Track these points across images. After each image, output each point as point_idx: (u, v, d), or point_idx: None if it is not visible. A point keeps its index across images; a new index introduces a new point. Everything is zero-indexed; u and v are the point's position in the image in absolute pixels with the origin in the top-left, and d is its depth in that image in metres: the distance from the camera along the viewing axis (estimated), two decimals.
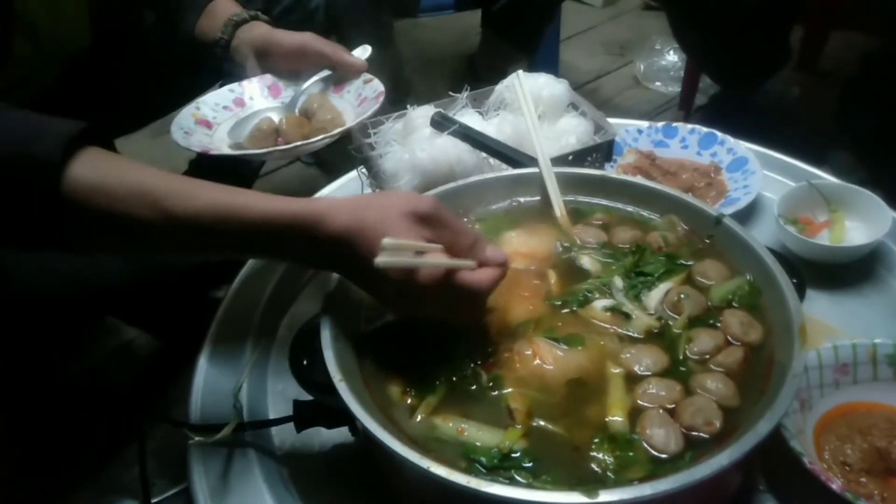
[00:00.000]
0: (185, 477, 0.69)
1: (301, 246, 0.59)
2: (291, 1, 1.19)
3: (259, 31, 0.97)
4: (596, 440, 0.56)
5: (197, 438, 0.70)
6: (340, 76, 0.95)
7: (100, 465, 1.22)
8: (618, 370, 0.61)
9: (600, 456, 0.55)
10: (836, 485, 0.58)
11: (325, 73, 0.94)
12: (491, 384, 0.60)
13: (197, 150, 0.83)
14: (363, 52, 0.96)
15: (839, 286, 0.85)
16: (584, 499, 0.47)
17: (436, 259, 0.57)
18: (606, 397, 0.59)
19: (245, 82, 0.96)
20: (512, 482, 0.52)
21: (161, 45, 1.19)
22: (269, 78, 0.96)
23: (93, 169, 0.57)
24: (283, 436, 0.73)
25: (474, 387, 0.60)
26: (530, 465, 0.54)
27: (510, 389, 0.60)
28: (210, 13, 1.00)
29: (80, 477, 1.21)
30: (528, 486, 0.51)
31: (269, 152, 0.84)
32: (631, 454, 0.54)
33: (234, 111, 0.93)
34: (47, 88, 1.04)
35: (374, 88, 0.91)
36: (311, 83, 0.94)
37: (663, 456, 0.54)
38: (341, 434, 0.67)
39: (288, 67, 0.96)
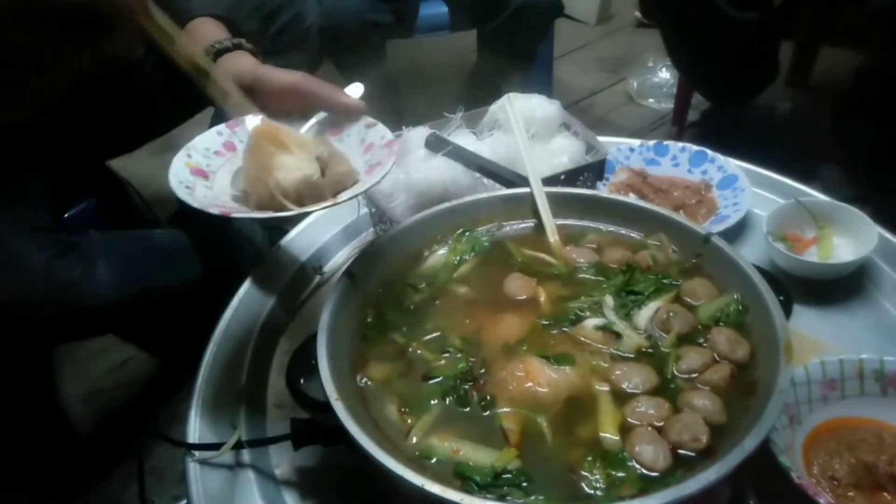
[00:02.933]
0: (184, 495, 0.70)
1: None
2: (286, 20, 1.19)
3: (245, 65, 0.89)
4: (589, 458, 0.57)
5: (196, 457, 0.71)
6: (337, 119, 0.87)
7: (98, 483, 1.22)
8: (607, 388, 0.62)
9: (592, 475, 0.55)
10: (824, 499, 0.59)
11: (321, 114, 0.86)
12: (483, 404, 0.62)
13: (216, 212, 0.75)
14: (356, 91, 0.88)
15: (827, 302, 0.87)
16: None
17: None
18: (598, 415, 0.60)
19: (233, 124, 0.86)
20: (505, 499, 0.53)
21: (158, 64, 1.21)
22: (257, 120, 0.86)
23: None
24: (280, 454, 0.74)
25: (468, 408, 0.62)
26: (524, 483, 0.55)
27: (504, 409, 0.61)
28: (190, 34, 0.92)
29: (79, 494, 1.22)
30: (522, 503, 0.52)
31: (295, 215, 0.75)
32: (622, 473, 0.55)
33: (227, 156, 0.85)
34: (47, 108, 1.06)
35: (380, 135, 0.83)
36: (309, 127, 0.86)
37: (653, 474, 0.55)
38: (339, 452, 0.68)
39: (278, 107, 0.88)
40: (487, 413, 0.61)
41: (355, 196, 0.75)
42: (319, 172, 0.78)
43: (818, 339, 0.81)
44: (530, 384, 0.62)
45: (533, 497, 0.54)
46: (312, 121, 0.85)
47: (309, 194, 0.76)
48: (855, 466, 0.66)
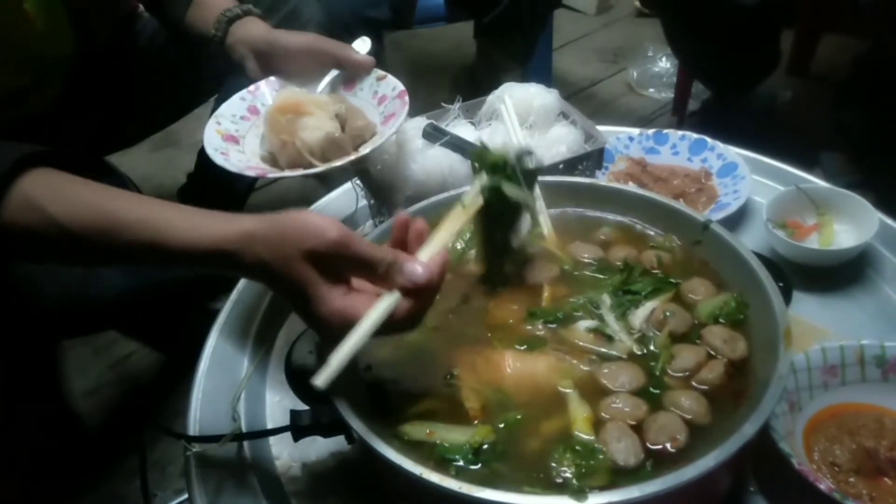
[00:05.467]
0: (185, 488, 0.70)
1: (228, 270, 0.58)
2: (285, 14, 1.20)
3: (257, 30, 0.94)
4: (558, 450, 0.57)
5: (196, 449, 0.71)
6: (349, 75, 0.92)
7: (101, 477, 1.23)
8: (571, 389, 0.62)
9: (562, 464, 0.56)
10: (824, 485, 0.59)
11: (335, 72, 0.92)
12: (449, 378, 0.63)
13: (252, 174, 0.82)
14: (363, 46, 0.94)
15: (828, 289, 0.86)
16: (573, 502, 0.48)
17: (360, 329, 0.54)
18: (569, 410, 0.60)
19: (253, 88, 0.93)
20: (498, 485, 0.53)
21: (158, 58, 1.21)
22: (275, 82, 0.94)
23: (35, 196, 0.57)
24: (280, 445, 0.74)
25: (444, 386, 0.63)
26: (502, 457, 0.56)
27: (469, 388, 0.62)
28: (200, 4, 0.98)
29: (82, 488, 1.22)
30: (518, 490, 0.52)
31: (324, 170, 0.81)
32: (592, 463, 0.55)
33: (252, 120, 0.91)
34: (46, 104, 1.06)
35: (391, 86, 0.88)
36: (325, 86, 0.91)
37: (622, 465, 0.55)
38: (338, 442, 0.68)
39: (292, 69, 0.93)
40: (451, 387, 0.62)
41: (376, 146, 0.79)
42: (340, 129, 0.84)
43: (819, 325, 0.81)
44: (500, 371, 0.63)
45: (511, 466, 0.55)
46: (326, 79, 0.91)
47: (333, 150, 0.81)
48: (856, 452, 0.66)
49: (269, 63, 0.94)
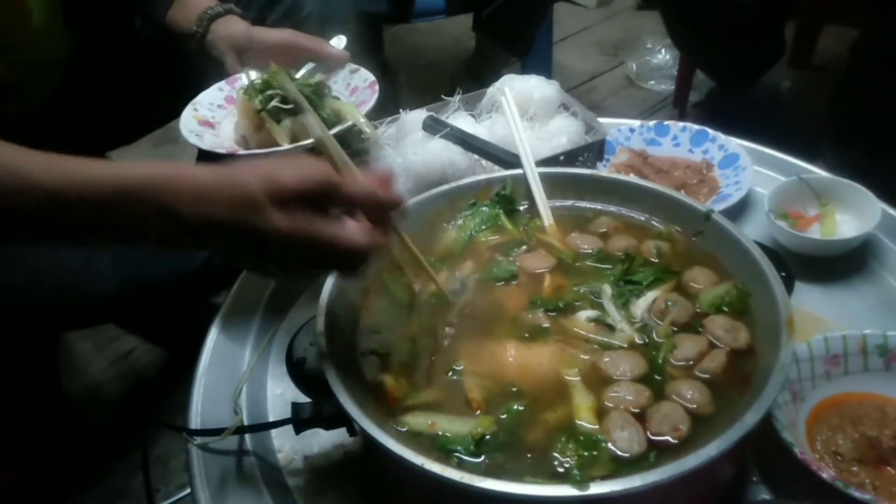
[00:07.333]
0: (188, 482, 0.70)
1: (160, 212, 0.52)
2: (285, 9, 1.20)
3: (236, 27, 0.98)
4: (561, 440, 0.56)
5: (198, 442, 0.71)
6: (324, 68, 0.97)
7: (104, 472, 1.23)
8: (577, 378, 0.61)
9: (565, 454, 0.55)
10: (827, 474, 0.59)
11: (310, 65, 0.96)
12: (452, 372, 0.63)
13: (223, 152, 0.84)
14: (339, 43, 0.99)
15: (830, 279, 0.86)
16: (575, 491, 0.48)
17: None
18: (572, 399, 0.60)
19: (232, 79, 0.97)
20: (500, 475, 0.53)
21: (158, 56, 1.20)
22: (253, 75, 0.97)
23: None
24: (282, 438, 0.74)
25: (448, 374, 0.63)
26: (504, 447, 0.56)
27: (471, 379, 0.62)
28: (182, 3, 1.01)
29: (85, 484, 1.22)
30: (519, 480, 0.52)
31: (291, 149, 0.83)
32: (595, 453, 0.55)
33: (228, 108, 0.95)
34: (43, 99, 1.05)
35: (363, 78, 0.93)
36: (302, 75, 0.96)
37: (626, 455, 0.55)
38: (340, 435, 0.68)
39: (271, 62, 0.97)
40: (454, 378, 0.62)
41: (343, 129, 0.84)
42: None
43: (821, 315, 0.80)
44: (502, 361, 0.63)
45: (515, 458, 0.55)
46: (302, 71, 0.96)
47: (303, 132, 0.85)
48: (858, 441, 0.66)
49: (248, 58, 0.98)
